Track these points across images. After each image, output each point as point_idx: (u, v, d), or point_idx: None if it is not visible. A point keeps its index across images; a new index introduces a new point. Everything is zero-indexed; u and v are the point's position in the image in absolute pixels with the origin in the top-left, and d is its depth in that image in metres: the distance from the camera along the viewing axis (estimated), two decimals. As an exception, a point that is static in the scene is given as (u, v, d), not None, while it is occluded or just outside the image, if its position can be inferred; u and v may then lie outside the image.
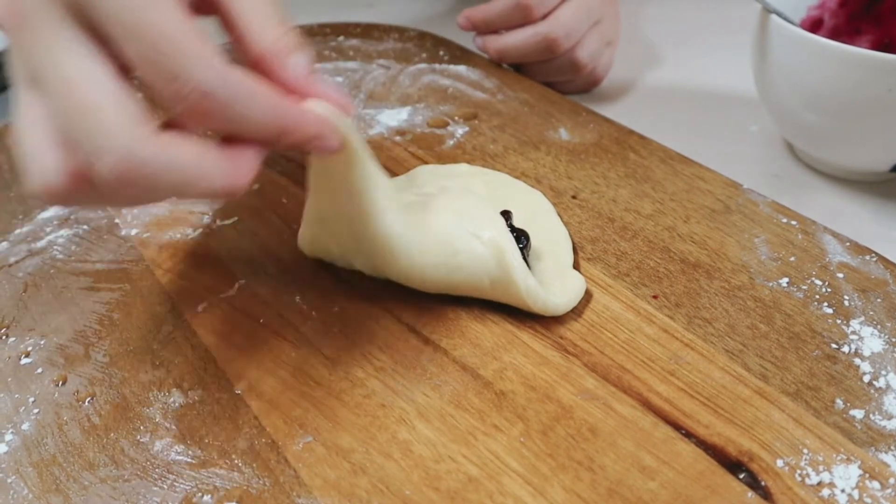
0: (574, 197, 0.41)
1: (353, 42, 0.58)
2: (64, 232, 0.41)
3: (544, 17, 0.49)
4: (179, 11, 0.24)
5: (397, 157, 0.44)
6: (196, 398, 0.31)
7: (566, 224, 0.39)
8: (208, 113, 0.24)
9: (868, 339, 0.32)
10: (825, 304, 0.34)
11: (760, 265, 0.36)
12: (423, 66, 0.54)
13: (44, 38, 0.23)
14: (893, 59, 0.37)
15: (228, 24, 0.27)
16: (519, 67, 0.53)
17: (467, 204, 0.34)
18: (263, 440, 0.29)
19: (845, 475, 0.27)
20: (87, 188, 0.24)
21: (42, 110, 0.24)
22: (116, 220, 0.41)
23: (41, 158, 0.24)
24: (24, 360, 0.34)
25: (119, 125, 0.23)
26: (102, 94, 0.23)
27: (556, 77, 0.52)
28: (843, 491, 0.26)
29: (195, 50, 0.23)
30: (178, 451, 0.29)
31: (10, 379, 0.33)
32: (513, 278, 0.32)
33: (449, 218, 0.33)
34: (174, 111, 0.24)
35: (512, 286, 0.32)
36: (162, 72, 0.23)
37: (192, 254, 0.39)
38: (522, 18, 0.49)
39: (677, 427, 0.29)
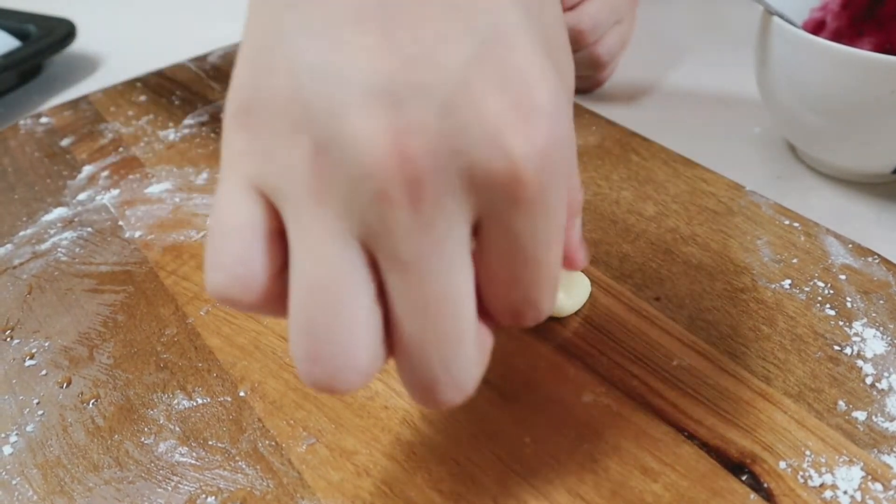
0: (576, 199, 0.41)
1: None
2: (68, 234, 0.41)
3: (570, 8, 0.49)
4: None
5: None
6: (200, 400, 0.31)
7: (569, 226, 0.39)
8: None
9: (870, 341, 0.32)
10: (828, 306, 0.34)
11: (763, 267, 0.36)
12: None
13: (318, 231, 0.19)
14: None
15: (493, 280, 0.21)
16: None
17: None
18: (267, 442, 0.29)
19: (848, 477, 0.27)
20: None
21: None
22: (120, 223, 0.41)
23: (250, 262, 0.20)
24: (29, 362, 0.34)
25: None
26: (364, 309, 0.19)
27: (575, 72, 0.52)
28: (845, 493, 0.26)
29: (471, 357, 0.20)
30: (182, 452, 0.29)
31: (14, 381, 0.33)
32: None
33: None
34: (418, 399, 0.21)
35: None
36: (430, 364, 0.20)
37: (196, 256, 0.39)
38: None
39: (680, 429, 0.29)
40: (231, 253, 0.19)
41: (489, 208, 0.19)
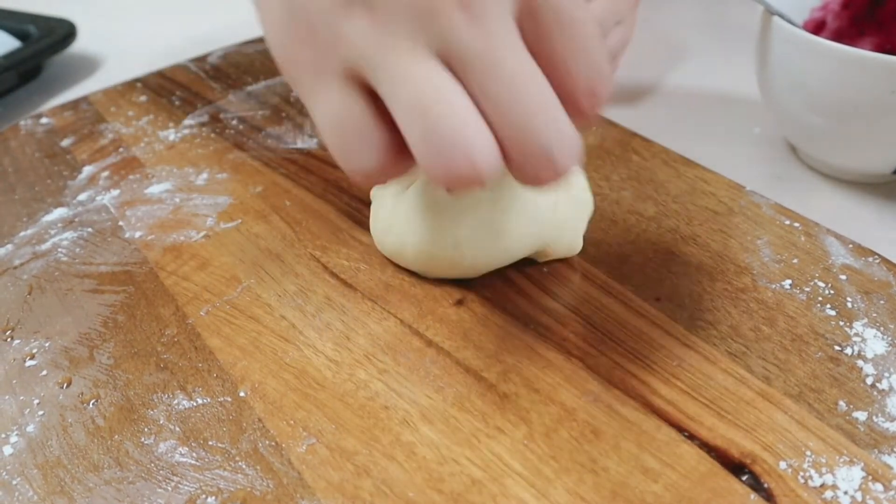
0: (577, 199, 0.41)
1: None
2: (68, 234, 0.41)
3: None
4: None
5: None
6: (200, 400, 0.31)
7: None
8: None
9: (871, 342, 0.32)
10: (828, 306, 0.34)
11: (763, 267, 0.36)
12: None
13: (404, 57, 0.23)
14: (896, 61, 0.37)
15: (552, 62, 0.25)
16: None
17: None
18: (267, 442, 0.29)
19: (848, 477, 0.27)
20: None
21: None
22: (121, 223, 0.41)
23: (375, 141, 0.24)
24: (29, 363, 0.34)
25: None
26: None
27: None
28: (845, 493, 0.26)
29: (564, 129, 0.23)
30: (183, 453, 0.29)
31: (14, 381, 0.33)
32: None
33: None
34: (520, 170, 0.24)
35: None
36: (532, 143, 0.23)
37: (196, 256, 0.39)
38: None
39: (680, 429, 0.29)
40: (366, 146, 0.24)
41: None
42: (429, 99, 0.23)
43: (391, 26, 0.23)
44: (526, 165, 0.23)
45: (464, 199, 0.34)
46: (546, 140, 0.23)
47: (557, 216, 0.35)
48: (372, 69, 0.23)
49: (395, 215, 0.35)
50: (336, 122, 0.24)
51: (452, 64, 0.23)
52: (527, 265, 0.37)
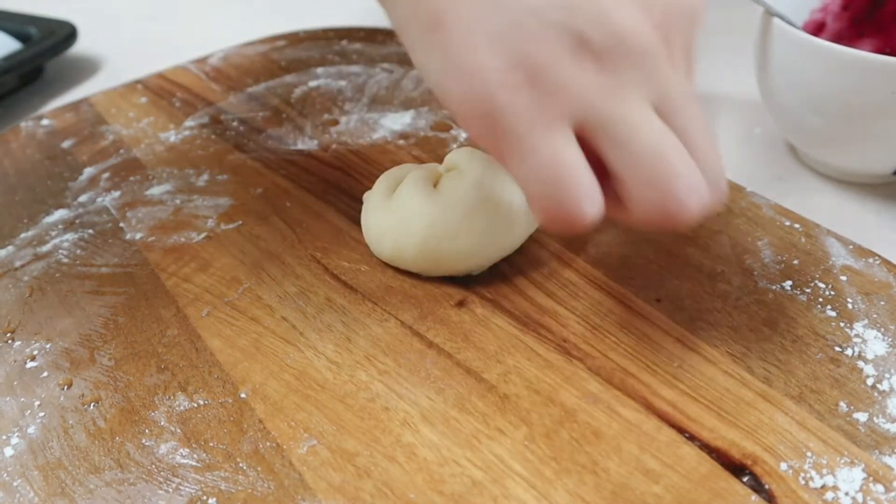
0: (577, 200, 0.41)
1: (357, 46, 0.58)
2: (69, 236, 0.41)
3: None
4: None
5: (401, 160, 0.44)
6: (201, 402, 0.31)
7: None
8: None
9: (871, 342, 0.32)
10: (828, 307, 0.34)
11: (764, 268, 0.36)
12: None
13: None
14: (896, 63, 0.37)
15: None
16: None
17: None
18: (268, 443, 0.29)
19: (849, 478, 0.27)
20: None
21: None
22: (121, 225, 0.41)
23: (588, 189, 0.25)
24: (30, 364, 0.34)
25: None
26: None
27: None
28: (846, 494, 0.26)
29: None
30: (183, 454, 0.29)
31: (15, 382, 0.33)
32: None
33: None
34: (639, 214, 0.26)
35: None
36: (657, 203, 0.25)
37: (197, 257, 0.39)
38: None
39: (681, 430, 0.29)
40: (589, 194, 0.25)
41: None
42: (663, 148, 0.24)
43: (621, 77, 0.24)
44: (645, 212, 0.25)
45: (457, 193, 0.34)
46: (669, 176, 0.25)
47: None
48: (600, 119, 0.24)
49: (388, 220, 0.35)
50: (556, 172, 0.24)
51: (663, 113, 0.25)
52: (527, 265, 0.37)
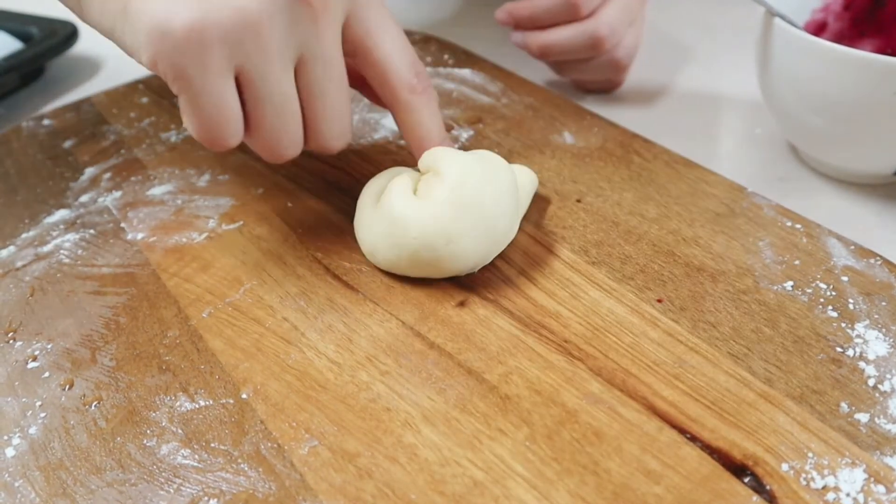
0: (578, 201, 0.41)
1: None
2: (70, 236, 0.41)
3: (588, 16, 0.48)
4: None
5: (402, 161, 0.44)
6: (202, 402, 0.31)
7: (570, 227, 0.39)
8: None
9: (873, 343, 0.32)
10: (830, 307, 0.34)
11: (765, 269, 0.36)
12: (427, 69, 0.54)
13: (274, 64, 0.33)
14: (897, 63, 0.37)
15: (370, 64, 0.37)
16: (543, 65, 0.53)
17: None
18: (269, 444, 0.29)
19: (850, 479, 0.27)
20: None
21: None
22: (122, 225, 0.41)
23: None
24: (31, 364, 0.34)
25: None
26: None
27: (595, 76, 0.52)
28: (847, 495, 0.26)
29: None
30: (185, 455, 0.29)
31: (17, 383, 0.33)
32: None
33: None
34: None
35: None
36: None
37: (198, 258, 0.39)
38: (569, 15, 0.48)
39: (682, 431, 0.29)
40: (233, 131, 0.33)
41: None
42: (283, 108, 0.34)
43: (272, 37, 0.32)
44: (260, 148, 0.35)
45: (441, 197, 0.34)
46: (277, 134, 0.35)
47: (521, 185, 0.39)
48: (251, 74, 0.32)
49: (379, 232, 0.35)
50: (216, 110, 0.32)
51: (300, 72, 0.34)
52: (528, 265, 0.37)
